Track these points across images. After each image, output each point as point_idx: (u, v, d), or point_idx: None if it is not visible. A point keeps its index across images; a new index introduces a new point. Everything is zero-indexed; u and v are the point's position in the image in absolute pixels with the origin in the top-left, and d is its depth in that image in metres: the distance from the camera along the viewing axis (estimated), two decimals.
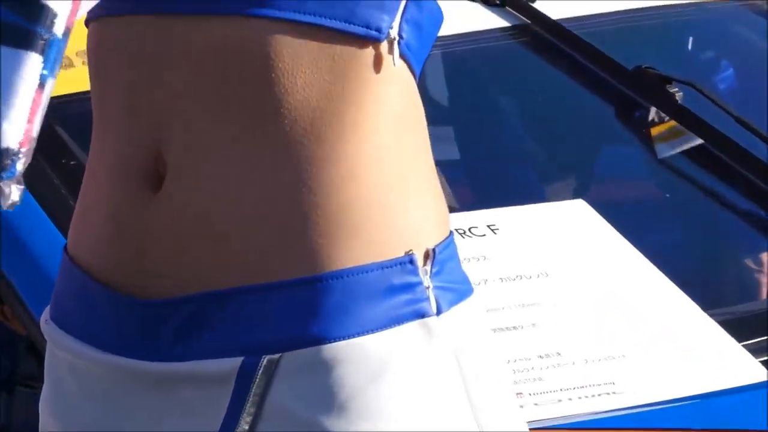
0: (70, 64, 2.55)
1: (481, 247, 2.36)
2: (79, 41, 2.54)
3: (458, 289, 1.51)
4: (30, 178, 2.47)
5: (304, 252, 1.45)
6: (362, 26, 1.44)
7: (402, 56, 1.46)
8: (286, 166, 1.47)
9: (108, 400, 1.53)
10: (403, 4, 1.46)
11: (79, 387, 1.55)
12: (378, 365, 1.44)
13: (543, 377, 2.20)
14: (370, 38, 1.45)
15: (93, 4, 1.46)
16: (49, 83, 1.53)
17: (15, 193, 1.57)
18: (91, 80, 1.54)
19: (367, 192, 1.47)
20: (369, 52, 1.46)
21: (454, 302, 1.48)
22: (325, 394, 1.43)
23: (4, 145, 1.52)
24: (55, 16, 1.48)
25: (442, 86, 2.84)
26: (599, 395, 2.07)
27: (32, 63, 1.51)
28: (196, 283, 1.47)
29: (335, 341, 1.43)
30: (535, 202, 2.56)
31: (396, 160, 1.50)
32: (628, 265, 2.31)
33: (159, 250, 1.48)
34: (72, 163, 2.48)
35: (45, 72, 1.52)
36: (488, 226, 2.41)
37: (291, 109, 1.46)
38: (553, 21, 2.64)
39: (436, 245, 1.47)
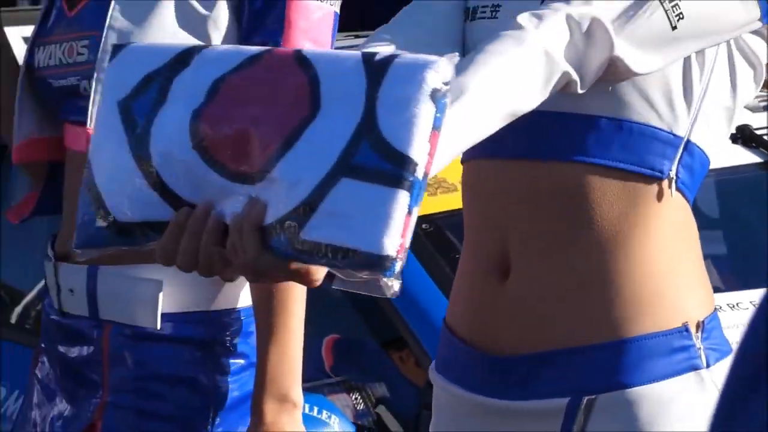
0: (455, 189, 3.07)
1: (745, 318, 2.71)
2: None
3: (721, 349, 1.79)
4: (431, 267, 3.02)
5: (607, 323, 1.80)
6: (649, 169, 1.79)
7: (678, 190, 1.80)
8: (595, 265, 1.82)
9: (469, 425, 1.89)
10: (680, 153, 1.81)
11: (452, 415, 1.93)
12: (664, 405, 1.76)
13: None
14: (655, 177, 1.80)
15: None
16: (414, 210, 1.70)
17: (396, 285, 1.69)
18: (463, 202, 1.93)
19: (651, 281, 1.81)
20: (654, 187, 1.80)
21: (719, 359, 1.76)
22: (627, 425, 1.77)
23: (385, 253, 1.62)
24: (416, 165, 1.66)
25: (713, 204, 3.36)
26: None
27: (402, 197, 1.67)
28: (529, 344, 1.83)
29: (632, 387, 1.77)
30: None
31: (672, 258, 1.83)
32: None
33: (503, 321, 1.83)
34: (456, 256, 2.83)
35: (411, 203, 1.68)
36: (750, 302, 2.90)
37: (598, 227, 1.81)
38: None
39: (705, 318, 1.79)
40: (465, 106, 1.64)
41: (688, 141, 1.82)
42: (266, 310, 2.34)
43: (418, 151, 1.58)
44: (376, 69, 1.62)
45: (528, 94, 1.69)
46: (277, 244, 1.61)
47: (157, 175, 1.71)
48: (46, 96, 2.41)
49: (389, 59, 1.62)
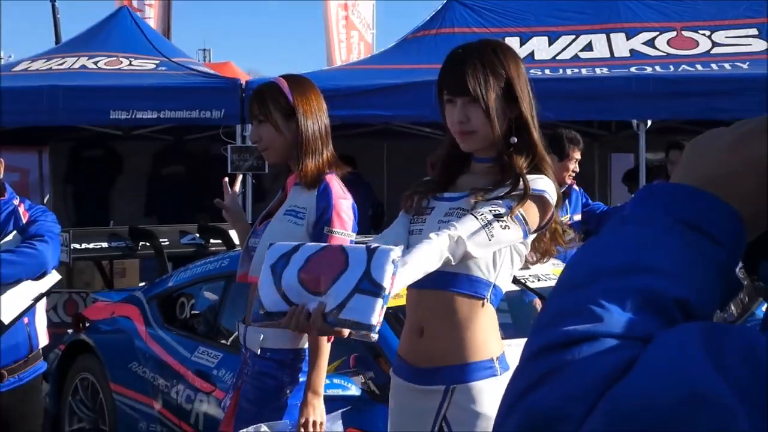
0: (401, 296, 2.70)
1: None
2: None
3: (506, 367, 2.09)
4: (393, 326, 3.29)
5: (463, 356, 2.11)
6: (479, 294, 2.12)
7: (490, 303, 2.14)
8: (459, 332, 2.11)
9: (404, 395, 2.20)
10: (491, 288, 2.11)
11: (397, 390, 2.22)
12: (481, 389, 2.10)
13: None
14: (480, 298, 2.12)
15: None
16: (384, 307, 1.79)
17: (376, 337, 1.83)
18: None
19: (480, 339, 2.14)
20: (479, 302, 2.13)
21: (504, 372, 2.08)
22: (468, 399, 2.11)
23: (374, 323, 1.78)
24: (386, 288, 1.77)
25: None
26: None
27: (380, 301, 1.79)
28: (431, 362, 2.15)
29: (471, 382, 2.12)
30: None
31: (489, 328, 2.15)
32: None
33: (420, 353, 2.16)
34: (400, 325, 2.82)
35: (383, 304, 1.80)
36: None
37: (459, 317, 2.12)
38: None
39: (499, 355, 2.13)
40: (407, 269, 1.90)
41: (494, 283, 2.14)
42: (314, 351, 2.56)
43: (387, 282, 1.82)
44: (371, 251, 1.87)
45: (432, 264, 1.95)
46: (331, 320, 1.87)
47: (284, 293, 1.93)
48: (251, 256, 2.67)
49: (377, 247, 1.88)
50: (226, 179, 2.81)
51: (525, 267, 2.30)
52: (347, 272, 1.84)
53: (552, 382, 0.67)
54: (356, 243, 2.52)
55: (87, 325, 4.98)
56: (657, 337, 0.67)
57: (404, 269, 1.87)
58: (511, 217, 2.03)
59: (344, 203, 2.58)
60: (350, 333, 1.87)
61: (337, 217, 2.55)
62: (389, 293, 1.81)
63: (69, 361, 4.99)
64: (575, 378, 0.66)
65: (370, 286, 1.81)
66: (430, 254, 1.92)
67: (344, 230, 2.56)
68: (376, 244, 1.90)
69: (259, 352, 2.61)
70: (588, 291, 0.71)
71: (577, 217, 4.88)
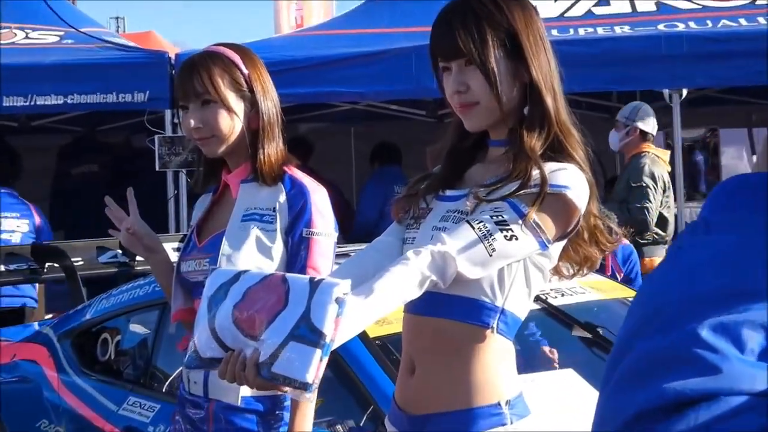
0: (391, 323, 3.16)
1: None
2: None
3: (521, 414, 2.07)
4: (380, 361, 3.22)
5: (461, 400, 2.07)
6: (482, 322, 2.06)
7: (499, 333, 2.07)
8: (456, 369, 2.07)
9: None
10: (498, 315, 2.05)
11: None
12: None
13: None
14: (483, 327, 2.06)
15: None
16: (324, 359, 1.76)
17: (312, 397, 1.85)
18: None
19: (483, 378, 2.08)
20: (484, 331, 2.06)
21: (519, 418, 2.06)
22: None
23: (307, 381, 1.78)
24: (326, 335, 1.75)
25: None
26: None
27: (317, 353, 1.76)
28: (423, 409, 2.12)
29: None
30: None
31: (496, 366, 2.08)
32: None
33: (412, 397, 2.12)
34: (393, 357, 3.22)
35: (322, 355, 1.76)
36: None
37: (457, 350, 2.07)
38: None
39: (512, 397, 2.08)
40: (371, 299, 1.87)
41: (503, 308, 2.07)
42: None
43: (327, 328, 1.79)
44: (314, 284, 1.85)
45: (409, 291, 1.92)
46: (264, 374, 1.87)
47: (218, 335, 1.94)
48: (187, 286, 2.71)
49: (321, 280, 1.87)
50: (108, 197, 2.74)
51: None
52: (285, 311, 1.82)
53: None
54: (340, 251, 2.54)
55: None
56: None
57: (367, 301, 1.83)
58: (521, 224, 1.97)
59: (320, 197, 2.60)
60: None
61: (319, 216, 2.57)
62: (332, 341, 1.77)
63: None
64: None
65: (308, 333, 1.78)
66: (405, 279, 1.87)
67: (327, 230, 2.58)
68: (320, 277, 1.87)
69: (238, 403, 2.57)
70: (687, 329, 0.68)
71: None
